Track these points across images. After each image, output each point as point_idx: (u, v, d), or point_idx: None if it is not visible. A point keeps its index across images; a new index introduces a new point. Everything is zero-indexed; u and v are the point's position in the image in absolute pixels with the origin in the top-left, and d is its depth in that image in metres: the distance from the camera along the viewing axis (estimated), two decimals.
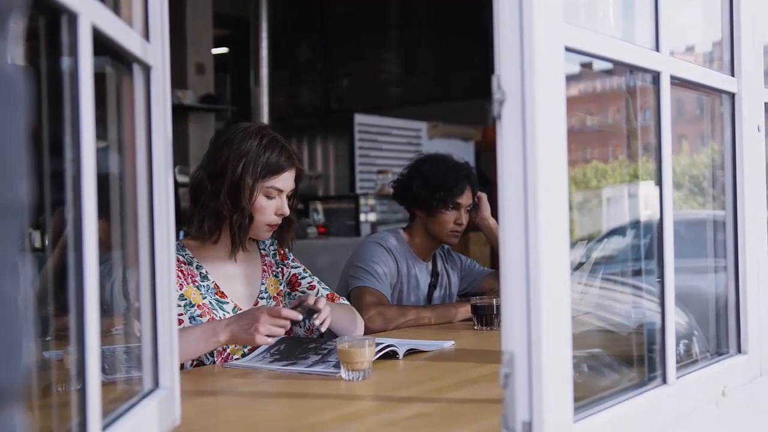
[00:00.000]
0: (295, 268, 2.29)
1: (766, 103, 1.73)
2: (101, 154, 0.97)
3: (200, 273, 2.08)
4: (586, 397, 1.20)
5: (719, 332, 1.70)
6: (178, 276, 2.00)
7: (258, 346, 1.94)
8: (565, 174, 1.10)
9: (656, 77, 1.39)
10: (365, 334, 2.38)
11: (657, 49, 1.39)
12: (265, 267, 2.23)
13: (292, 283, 2.27)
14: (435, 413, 1.48)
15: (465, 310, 2.60)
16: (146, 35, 1.22)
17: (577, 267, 1.60)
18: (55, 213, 0.98)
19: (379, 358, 1.87)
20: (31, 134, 0.63)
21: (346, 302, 2.34)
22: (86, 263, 0.90)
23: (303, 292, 2.24)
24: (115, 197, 1.20)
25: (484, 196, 2.87)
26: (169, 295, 1.25)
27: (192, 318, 2.00)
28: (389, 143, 7.89)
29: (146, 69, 1.21)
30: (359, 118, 7.78)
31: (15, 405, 0.58)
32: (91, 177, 0.92)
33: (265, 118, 6.63)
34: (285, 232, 2.20)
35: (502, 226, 1.06)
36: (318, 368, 1.81)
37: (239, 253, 2.13)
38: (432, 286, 2.85)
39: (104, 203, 1.09)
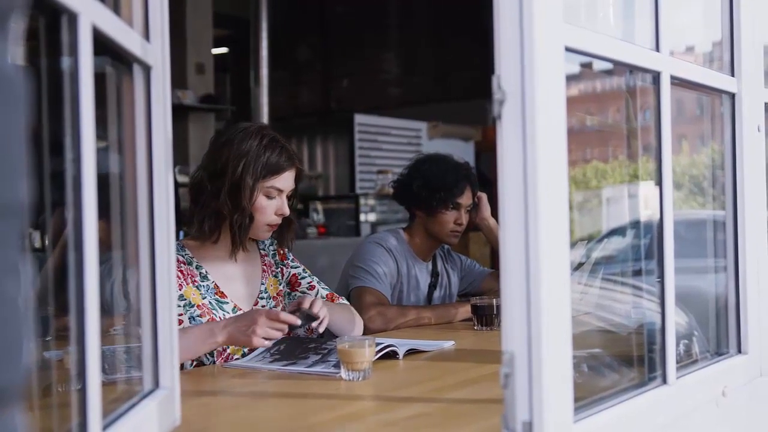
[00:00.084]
0: (295, 268, 2.29)
1: (766, 104, 1.73)
2: (101, 154, 0.97)
3: (200, 273, 2.08)
4: (586, 398, 1.20)
5: (719, 332, 1.70)
6: (178, 276, 1.99)
7: (255, 348, 1.94)
8: (565, 174, 1.10)
9: (656, 77, 1.39)
10: (365, 334, 2.39)
11: (657, 49, 1.39)
12: (264, 267, 2.23)
13: (292, 283, 2.27)
14: (435, 413, 1.48)
15: (465, 310, 2.60)
16: (146, 35, 1.22)
17: (577, 267, 1.60)
18: (55, 213, 0.98)
19: (379, 358, 1.87)
20: (31, 134, 0.63)
21: (346, 302, 2.34)
22: (86, 263, 0.90)
23: (303, 292, 2.24)
24: (116, 197, 1.20)
25: (484, 196, 2.87)
26: (170, 295, 1.25)
27: (192, 318, 2.00)
28: (389, 143, 7.89)
29: (146, 69, 1.21)
30: (359, 118, 7.78)
31: (16, 405, 0.58)
32: (91, 177, 0.92)
33: (265, 118, 6.62)
34: (285, 232, 2.20)
35: (503, 226, 1.06)
36: (318, 368, 1.81)
37: (239, 253, 2.13)
38: (432, 286, 2.85)
39: (104, 203, 1.09)
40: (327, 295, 2.28)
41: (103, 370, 0.99)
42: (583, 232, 1.59)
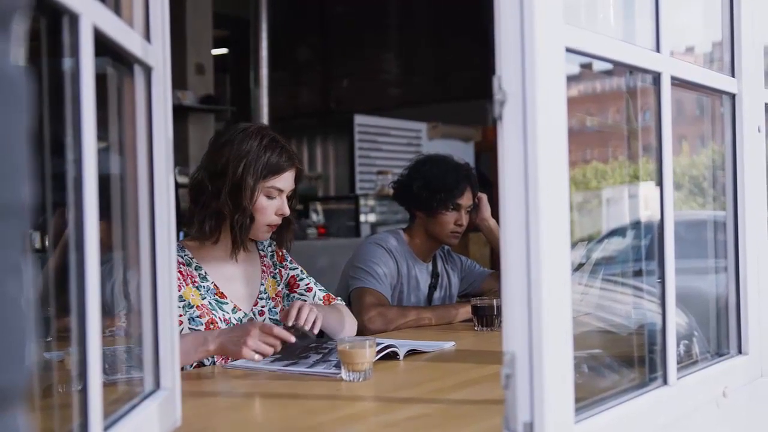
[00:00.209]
0: (293, 269, 2.29)
1: (766, 104, 1.73)
2: (102, 154, 0.97)
3: (199, 274, 2.08)
4: (587, 398, 1.20)
5: (720, 333, 1.70)
6: (177, 277, 1.99)
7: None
8: (566, 174, 1.10)
9: (657, 78, 1.39)
10: (365, 334, 2.39)
11: (657, 49, 1.39)
12: (264, 268, 2.23)
13: (291, 285, 2.27)
14: (436, 414, 1.48)
15: (465, 311, 2.60)
16: (147, 36, 1.22)
17: (578, 268, 1.60)
18: (56, 213, 0.98)
19: (379, 358, 1.87)
20: (32, 135, 0.63)
21: (341, 303, 2.34)
22: (88, 264, 0.90)
23: (301, 294, 2.25)
24: (116, 198, 1.20)
25: (484, 197, 2.87)
26: (170, 296, 1.25)
27: (191, 319, 2.01)
28: (389, 144, 7.89)
29: (147, 70, 1.21)
30: (359, 119, 7.78)
31: (18, 406, 0.58)
32: (92, 178, 0.92)
33: (264, 119, 6.62)
34: (284, 232, 2.20)
35: (503, 227, 1.06)
36: (319, 368, 1.81)
37: (239, 254, 2.13)
38: (432, 287, 2.85)
39: (105, 204, 1.09)
40: (324, 297, 2.28)
41: (104, 371, 0.99)
42: (583, 233, 1.59)
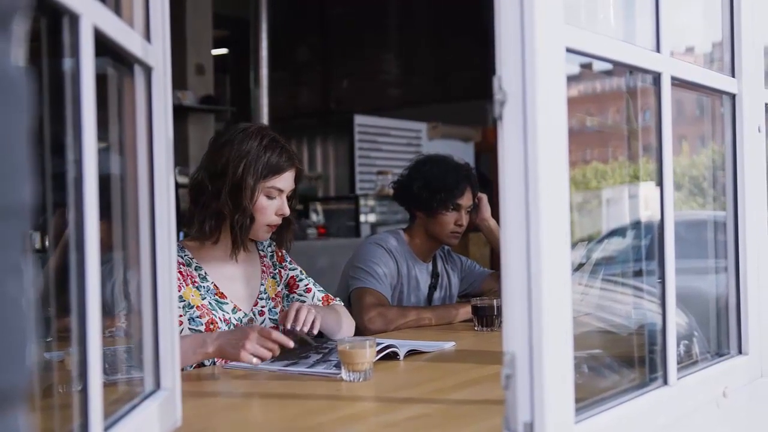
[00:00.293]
0: (293, 270, 2.30)
1: (766, 104, 1.73)
2: (102, 154, 0.97)
3: (199, 274, 2.09)
4: (587, 398, 1.20)
5: (720, 333, 1.70)
6: (177, 277, 1.99)
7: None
8: (566, 175, 1.10)
9: (657, 78, 1.39)
10: (366, 335, 2.39)
11: (658, 50, 1.39)
12: (264, 268, 2.23)
13: (290, 285, 2.28)
14: (436, 414, 1.48)
15: (465, 311, 2.60)
16: (147, 36, 1.22)
17: (578, 268, 1.60)
18: (56, 213, 0.98)
19: (379, 359, 1.87)
20: (32, 135, 0.63)
21: (339, 303, 2.34)
22: (88, 264, 0.90)
23: (300, 295, 2.25)
24: (116, 198, 1.20)
25: (484, 197, 2.87)
26: (171, 296, 1.25)
27: (191, 319, 2.01)
28: (389, 144, 7.89)
29: (147, 70, 1.21)
30: (359, 119, 7.77)
31: (19, 406, 0.58)
32: (92, 178, 0.92)
33: (264, 119, 6.62)
34: (284, 232, 2.20)
35: (503, 227, 1.06)
36: (319, 368, 1.81)
37: (239, 254, 2.13)
38: (432, 287, 2.85)
39: (105, 204, 1.09)
40: (323, 297, 2.29)
41: (104, 371, 0.99)
42: (583, 233, 1.59)
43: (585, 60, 1.26)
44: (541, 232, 1.04)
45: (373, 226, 6.93)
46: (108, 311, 1.26)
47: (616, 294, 1.72)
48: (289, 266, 2.30)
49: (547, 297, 1.04)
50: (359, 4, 9.03)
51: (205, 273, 2.10)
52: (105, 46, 1.01)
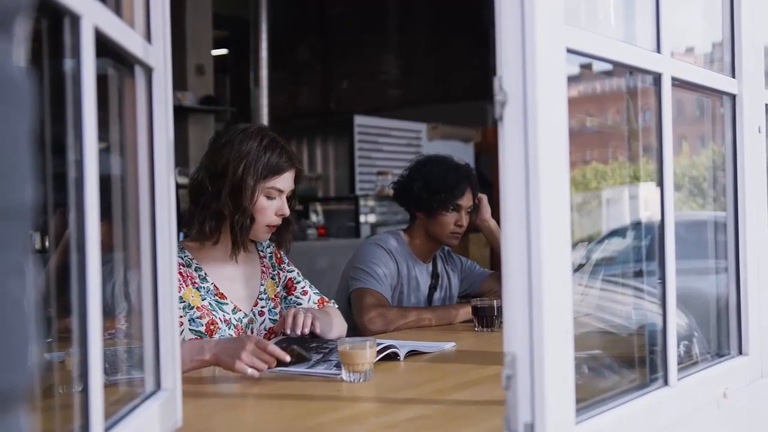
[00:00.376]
0: (290, 272, 2.30)
1: (766, 105, 1.73)
2: (103, 155, 0.97)
3: (199, 275, 2.09)
4: (587, 399, 1.20)
5: (720, 334, 1.70)
6: (177, 278, 1.99)
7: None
8: (567, 175, 1.10)
9: (657, 79, 1.39)
10: (366, 335, 2.39)
11: (658, 50, 1.39)
12: (263, 268, 2.23)
13: (288, 287, 2.28)
14: (436, 415, 1.48)
15: (465, 312, 2.60)
16: (148, 37, 1.22)
17: (578, 268, 1.60)
18: (56, 214, 0.98)
19: (380, 359, 1.87)
20: (34, 136, 0.63)
21: (333, 306, 2.34)
22: (89, 265, 0.90)
23: (297, 297, 2.26)
24: (117, 198, 1.20)
25: (484, 198, 2.87)
26: (171, 297, 1.25)
27: (191, 320, 2.01)
28: (389, 144, 7.89)
29: (148, 71, 1.21)
30: (359, 119, 7.77)
31: (21, 407, 0.58)
32: (93, 178, 0.92)
33: (264, 120, 6.62)
34: (283, 233, 2.20)
35: (504, 228, 1.06)
36: (319, 369, 1.81)
37: (239, 255, 2.13)
38: (432, 288, 2.85)
39: (106, 204, 1.09)
40: (318, 300, 2.30)
41: (105, 372, 0.99)
42: (583, 234, 1.59)
43: (585, 60, 1.26)
44: (541, 233, 1.04)
45: (373, 227, 6.93)
46: (108, 312, 1.26)
47: (616, 294, 1.72)
48: (287, 268, 2.30)
49: (547, 297, 1.04)
50: (359, 4, 9.03)
51: (205, 274, 2.10)
52: (106, 47, 1.01)
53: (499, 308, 2.41)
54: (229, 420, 1.50)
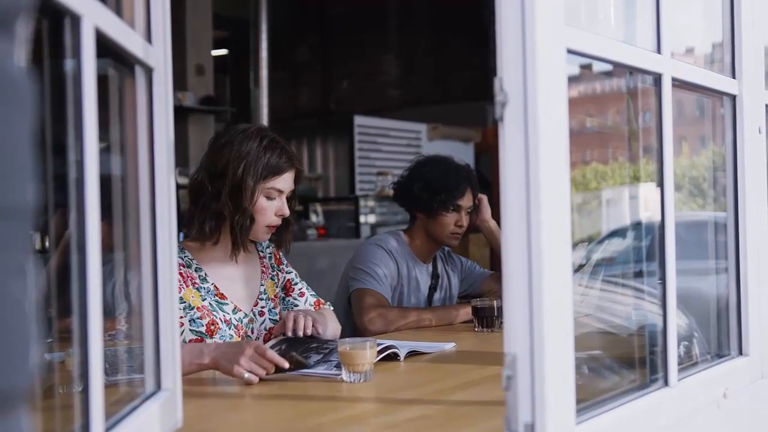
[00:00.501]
0: (289, 273, 2.30)
1: (766, 105, 1.73)
2: (103, 155, 0.97)
3: (199, 275, 2.09)
4: (587, 399, 1.20)
5: (720, 334, 1.70)
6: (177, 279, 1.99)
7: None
8: (567, 176, 1.10)
9: (657, 79, 1.39)
10: (366, 335, 2.39)
11: (658, 50, 1.39)
12: (263, 269, 2.24)
13: (287, 288, 2.28)
14: (436, 415, 1.48)
15: (466, 312, 2.60)
16: (148, 37, 1.22)
17: (578, 269, 1.60)
18: (56, 214, 0.98)
19: (380, 359, 1.87)
20: (34, 136, 0.63)
21: (328, 308, 2.34)
22: (89, 265, 0.90)
23: (295, 299, 2.26)
24: (117, 199, 1.20)
25: (484, 198, 2.87)
26: (171, 297, 1.25)
27: (192, 320, 2.01)
28: (389, 145, 7.89)
29: (148, 71, 1.21)
30: (359, 120, 7.77)
31: (22, 407, 0.58)
32: (94, 179, 0.92)
33: (264, 120, 6.62)
34: (283, 233, 2.20)
35: (504, 228, 1.06)
36: (319, 369, 1.81)
37: (239, 255, 2.13)
38: (432, 288, 2.85)
39: (106, 205, 1.09)
40: (314, 302, 2.30)
41: (105, 372, 0.99)
42: (583, 234, 1.59)
43: (585, 61, 1.26)
44: (541, 233, 1.04)
45: (373, 227, 6.94)
46: (108, 312, 1.26)
47: (616, 295, 1.72)
48: (286, 269, 2.30)
49: (547, 298, 1.04)
50: (359, 4, 9.03)
51: (205, 274, 2.10)
52: (106, 47, 1.01)
53: (499, 308, 2.41)
54: (229, 420, 1.50)
